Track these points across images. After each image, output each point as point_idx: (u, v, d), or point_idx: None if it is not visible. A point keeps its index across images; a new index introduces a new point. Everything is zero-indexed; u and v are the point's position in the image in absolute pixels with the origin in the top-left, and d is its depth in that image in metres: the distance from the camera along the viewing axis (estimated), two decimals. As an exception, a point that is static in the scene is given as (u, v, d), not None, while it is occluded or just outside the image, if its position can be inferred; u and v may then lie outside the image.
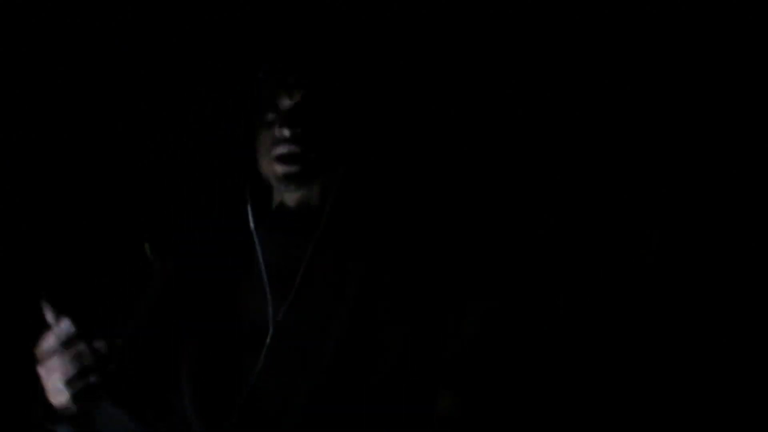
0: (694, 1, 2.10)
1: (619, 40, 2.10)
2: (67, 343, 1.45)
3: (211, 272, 1.64)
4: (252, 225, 1.61)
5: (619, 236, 2.05)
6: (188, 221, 1.76)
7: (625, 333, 2.01)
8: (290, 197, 1.63)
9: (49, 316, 1.48)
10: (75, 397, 1.45)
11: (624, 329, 2.01)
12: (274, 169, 1.58)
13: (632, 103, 2.11)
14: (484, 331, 1.53)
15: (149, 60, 2.25)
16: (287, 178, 1.57)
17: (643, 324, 2.02)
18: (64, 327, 1.46)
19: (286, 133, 1.55)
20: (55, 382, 1.47)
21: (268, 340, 1.53)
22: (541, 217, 2.03)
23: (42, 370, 1.49)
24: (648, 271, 2.03)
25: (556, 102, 2.11)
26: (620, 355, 2.00)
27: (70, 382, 1.44)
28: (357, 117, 1.64)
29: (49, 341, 1.49)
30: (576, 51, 2.10)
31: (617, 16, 2.11)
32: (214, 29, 2.23)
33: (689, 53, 2.10)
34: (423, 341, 1.52)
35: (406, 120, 2.02)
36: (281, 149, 1.56)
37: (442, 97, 2.11)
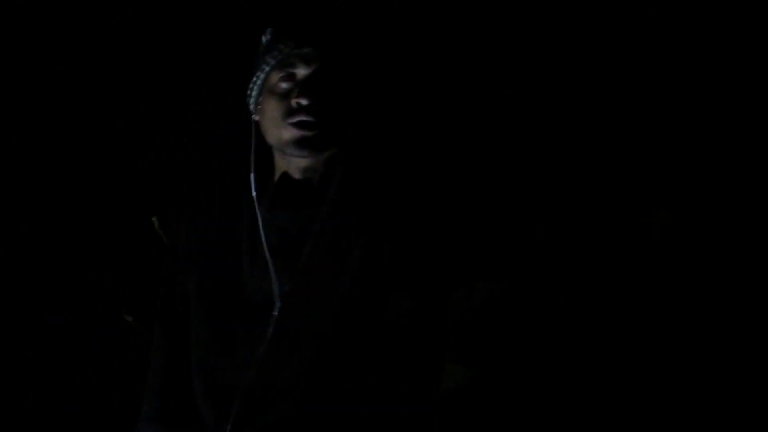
0: (694, 1, 2.10)
1: (619, 40, 2.10)
2: None
3: (215, 246, 1.64)
4: (254, 194, 1.61)
5: (622, 221, 2.05)
6: (193, 194, 1.75)
7: (626, 314, 2.01)
8: (296, 168, 1.62)
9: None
10: None
11: (625, 310, 2.01)
12: (291, 133, 1.56)
13: (637, 99, 2.11)
14: (492, 307, 1.53)
15: (149, 60, 2.25)
16: (303, 143, 1.56)
17: (643, 306, 2.02)
18: None
19: (304, 102, 1.54)
20: None
21: (275, 313, 1.54)
22: (548, 198, 2.03)
23: None
24: (652, 255, 2.03)
25: (570, 80, 2.11)
26: (622, 336, 2.00)
27: None
28: (369, 88, 1.64)
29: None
30: (577, 47, 2.10)
31: (618, 16, 2.11)
32: (215, 29, 2.24)
33: (689, 52, 2.10)
34: (427, 315, 1.53)
35: (416, 92, 2.01)
36: (298, 118, 1.55)
37: (453, 71, 2.10)
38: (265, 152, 1.64)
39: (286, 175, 1.63)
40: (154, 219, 1.77)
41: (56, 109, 2.25)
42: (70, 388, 2.21)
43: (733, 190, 2.10)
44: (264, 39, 1.64)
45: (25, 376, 2.22)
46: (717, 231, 2.07)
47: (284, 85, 1.59)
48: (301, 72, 1.58)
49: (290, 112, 1.56)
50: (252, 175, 1.62)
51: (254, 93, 1.65)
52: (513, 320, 1.57)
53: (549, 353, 1.79)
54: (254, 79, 1.64)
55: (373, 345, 1.51)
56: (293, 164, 1.62)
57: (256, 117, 1.64)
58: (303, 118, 1.55)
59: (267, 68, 1.61)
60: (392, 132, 1.75)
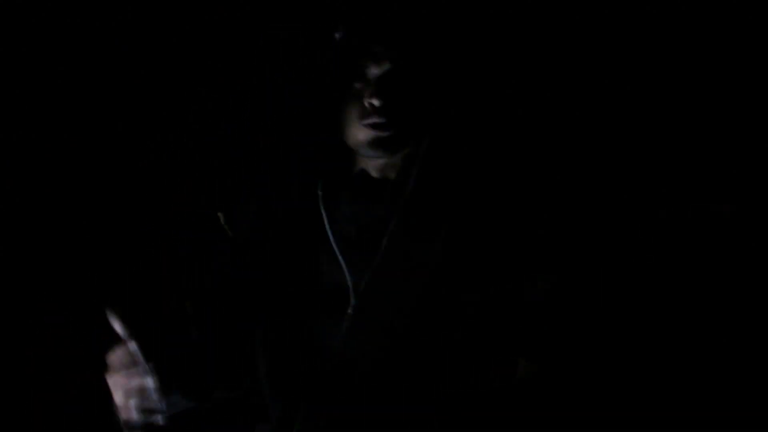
0: (695, 1, 2.10)
1: (646, 32, 2.09)
2: (132, 364, 1.48)
3: (284, 243, 1.64)
4: (320, 192, 1.61)
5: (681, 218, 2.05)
6: (261, 189, 1.74)
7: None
8: (373, 166, 1.62)
9: (119, 328, 1.49)
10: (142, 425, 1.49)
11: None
12: (365, 134, 1.55)
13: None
14: (562, 302, 1.53)
15: (149, 60, 2.25)
16: (377, 143, 1.55)
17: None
18: (131, 347, 1.48)
19: (376, 102, 1.53)
20: (120, 398, 1.52)
21: (349, 311, 1.53)
22: (618, 199, 2.03)
23: (110, 382, 1.51)
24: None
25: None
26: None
27: (135, 408, 1.49)
28: (443, 87, 1.63)
29: (117, 355, 1.52)
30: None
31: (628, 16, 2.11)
32: (215, 29, 2.23)
33: (696, 52, 2.10)
34: (502, 311, 1.53)
35: (489, 91, 2.00)
36: (372, 119, 1.54)
37: (526, 68, 2.10)
38: (344, 148, 1.64)
39: (364, 171, 1.64)
40: (220, 214, 1.75)
41: (56, 109, 2.25)
42: (70, 388, 2.20)
43: (735, 188, 2.10)
44: (337, 35, 1.63)
45: (25, 376, 2.22)
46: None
47: (357, 85, 1.58)
48: (373, 71, 1.57)
49: (363, 112, 1.56)
50: (320, 175, 1.63)
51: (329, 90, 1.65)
52: (576, 314, 1.57)
53: (609, 346, 1.78)
54: (322, 77, 1.65)
55: (447, 342, 1.51)
56: (370, 162, 1.63)
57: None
58: (376, 119, 1.55)
59: (338, 66, 1.61)
60: (470, 126, 1.74)
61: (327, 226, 1.57)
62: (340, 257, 1.55)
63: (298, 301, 1.59)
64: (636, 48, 2.10)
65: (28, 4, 2.20)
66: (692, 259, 2.04)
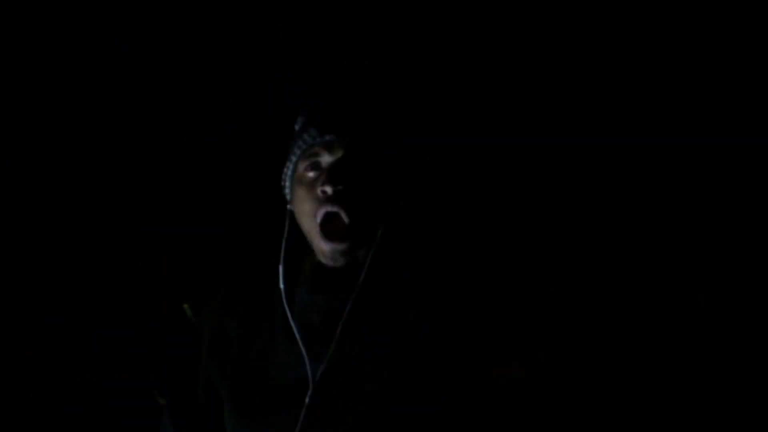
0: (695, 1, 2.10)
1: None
2: None
3: (247, 332, 1.63)
4: (282, 286, 1.59)
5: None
6: (225, 280, 1.74)
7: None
8: (337, 263, 1.59)
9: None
10: None
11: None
12: (321, 246, 1.54)
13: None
14: (530, 385, 1.52)
15: (149, 60, 2.25)
16: (335, 254, 1.54)
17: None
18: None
19: (329, 190, 1.51)
20: None
21: (307, 400, 1.51)
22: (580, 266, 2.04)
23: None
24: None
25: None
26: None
27: None
28: (396, 172, 1.60)
29: None
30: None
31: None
32: (215, 29, 2.24)
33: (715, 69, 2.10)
34: (463, 392, 1.50)
35: (441, 170, 2.01)
36: (324, 208, 1.53)
37: (475, 144, 2.11)
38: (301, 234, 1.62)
39: (321, 263, 1.60)
40: (186, 306, 1.76)
41: (56, 109, 2.25)
42: (70, 388, 2.21)
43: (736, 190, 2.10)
44: (296, 127, 1.63)
45: (25, 376, 2.22)
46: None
47: (310, 174, 1.57)
48: (326, 160, 1.56)
49: (317, 201, 1.54)
50: (281, 267, 1.60)
51: (287, 183, 1.64)
52: (554, 396, 1.56)
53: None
54: (285, 169, 1.63)
55: (411, 424, 1.48)
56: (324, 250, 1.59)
57: (290, 207, 1.62)
58: (328, 207, 1.52)
59: (294, 158, 1.60)
60: (423, 213, 1.73)
61: (290, 317, 1.55)
62: (301, 347, 1.53)
63: (258, 391, 1.57)
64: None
65: (28, 4, 2.20)
66: (672, 339, 2.04)
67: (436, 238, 1.63)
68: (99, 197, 2.26)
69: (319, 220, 1.54)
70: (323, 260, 1.58)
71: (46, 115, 2.25)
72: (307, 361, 1.53)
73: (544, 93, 2.15)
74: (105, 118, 2.26)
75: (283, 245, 1.61)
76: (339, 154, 1.55)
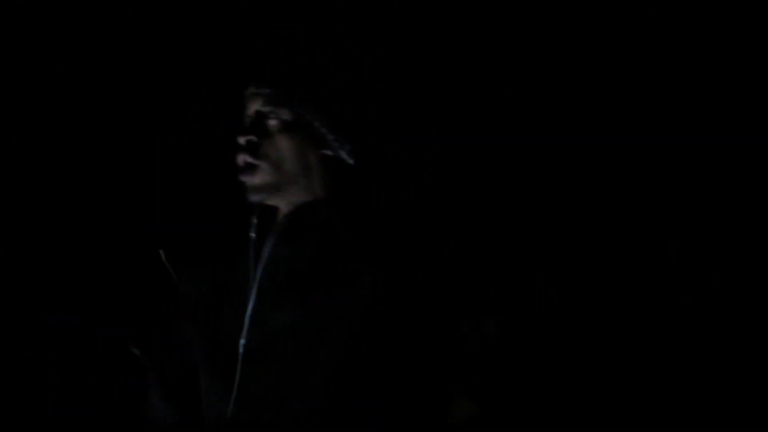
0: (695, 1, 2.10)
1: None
2: None
3: (219, 287, 1.64)
4: (252, 235, 1.61)
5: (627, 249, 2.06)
6: (199, 230, 1.75)
7: (629, 335, 2.01)
8: (285, 210, 1.61)
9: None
10: None
11: (627, 332, 2.01)
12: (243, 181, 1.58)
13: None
14: (499, 339, 1.53)
15: (149, 60, 2.25)
16: (247, 190, 1.57)
17: (653, 330, 2.02)
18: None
19: (242, 140, 1.55)
20: None
21: (240, 350, 1.53)
22: (553, 228, 2.04)
23: None
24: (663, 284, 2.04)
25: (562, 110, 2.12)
26: (624, 358, 2.00)
27: None
28: (332, 122, 1.59)
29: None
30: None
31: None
32: (215, 29, 2.24)
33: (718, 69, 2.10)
34: (435, 348, 1.52)
35: (404, 124, 2.01)
36: (238, 158, 1.57)
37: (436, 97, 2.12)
38: None
39: (287, 214, 1.62)
40: (161, 252, 1.76)
41: (56, 109, 2.25)
42: (70, 388, 2.21)
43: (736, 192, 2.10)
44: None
45: (25, 376, 2.22)
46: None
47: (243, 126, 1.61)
48: (246, 112, 1.60)
49: (239, 150, 1.58)
50: (254, 218, 1.62)
51: None
52: (520, 352, 1.57)
53: (556, 384, 1.79)
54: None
55: (375, 378, 1.48)
56: (281, 206, 1.62)
57: None
58: (240, 158, 1.56)
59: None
60: (384, 161, 1.74)
61: (252, 268, 1.57)
62: (253, 294, 1.54)
63: (226, 347, 1.57)
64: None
65: (28, 4, 2.20)
66: (636, 299, 2.04)
67: (393, 197, 1.65)
68: (99, 197, 2.26)
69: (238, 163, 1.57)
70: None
71: (46, 115, 2.25)
72: (250, 308, 1.54)
73: (544, 93, 2.15)
74: (105, 118, 2.26)
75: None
76: (255, 106, 1.58)
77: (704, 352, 2.03)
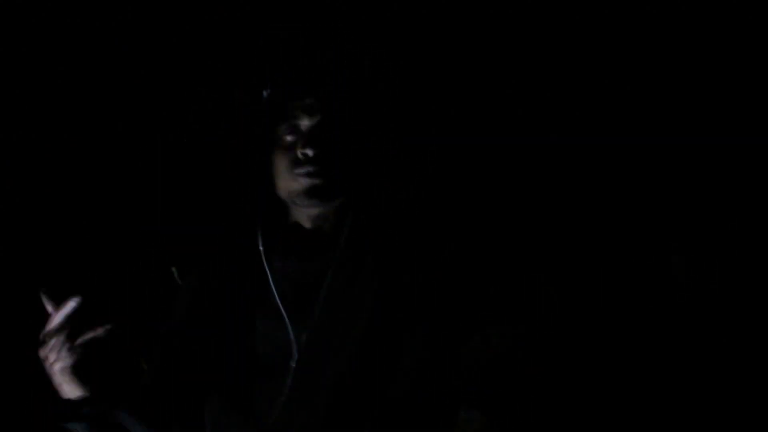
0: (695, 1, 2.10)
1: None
2: (67, 323, 1.48)
3: (227, 301, 1.64)
4: (261, 248, 1.62)
5: (636, 260, 2.06)
6: (211, 244, 1.76)
7: (645, 351, 2.02)
8: (306, 218, 1.63)
9: (49, 305, 1.50)
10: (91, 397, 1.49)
11: (643, 346, 2.02)
12: (300, 184, 1.58)
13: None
14: (508, 353, 1.53)
15: (149, 60, 2.25)
16: (312, 192, 1.57)
17: (662, 345, 2.02)
18: (65, 310, 1.49)
19: (310, 152, 1.56)
20: (58, 372, 1.50)
21: (293, 365, 1.54)
22: (560, 241, 2.04)
23: (45, 356, 1.50)
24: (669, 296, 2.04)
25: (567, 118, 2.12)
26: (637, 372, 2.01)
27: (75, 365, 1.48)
28: (374, 136, 1.65)
29: (50, 325, 1.51)
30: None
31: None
32: (215, 29, 2.24)
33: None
34: (443, 361, 1.53)
35: (422, 139, 2.03)
36: (305, 168, 1.57)
37: (457, 116, 2.12)
38: (277, 202, 1.65)
39: (297, 224, 1.64)
40: (174, 269, 1.77)
41: (56, 109, 2.25)
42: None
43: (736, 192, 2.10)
44: (265, 93, 1.66)
45: (25, 376, 2.22)
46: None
47: (289, 138, 1.60)
48: (305, 123, 1.60)
49: (297, 163, 1.58)
50: (259, 230, 1.63)
51: (261, 145, 1.66)
52: (528, 365, 1.57)
53: (565, 398, 1.79)
54: (259, 132, 1.66)
55: (391, 392, 1.51)
56: (304, 214, 1.64)
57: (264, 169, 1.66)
58: (309, 168, 1.57)
59: (271, 121, 1.63)
60: (401, 176, 1.75)
61: (271, 283, 1.58)
62: (283, 313, 1.56)
63: (241, 360, 1.58)
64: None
65: (28, 4, 2.20)
66: (645, 308, 2.05)
67: (407, 205, 1.66)
68: (99, 197, 2.26)
69: (298, 172, 1.57)
70: (298, 203, 1.60)
71: (46, 115, 2.25)
72: (289, 326, 1.55)
73: (544, 93, 2.15)
74: (105, 118, 2.26)
75: (261, 207, 1.65)
76: (318, 117, 1.59)
77: (709, 356, 2.03)
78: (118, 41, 2.23)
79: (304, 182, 1.58)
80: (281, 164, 1.61)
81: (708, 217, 2.10)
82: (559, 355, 1.66)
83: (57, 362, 1.49)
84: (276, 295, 1.58)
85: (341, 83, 1.63)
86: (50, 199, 2.25)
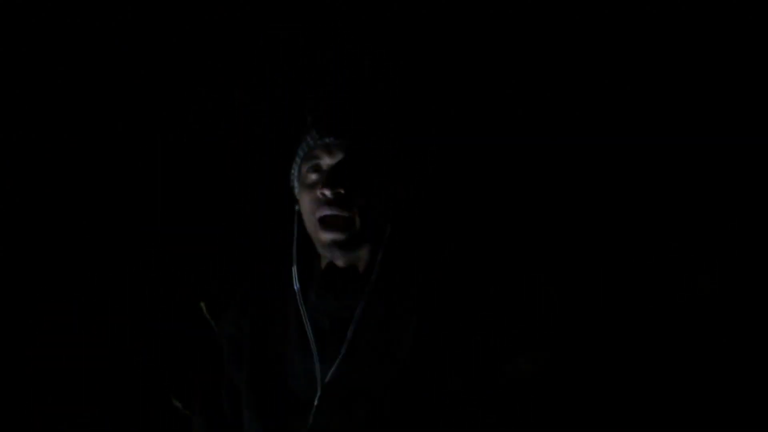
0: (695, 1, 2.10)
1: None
2: None
3: (263, 336, 1.64)
4: (296, 287, 1.60)
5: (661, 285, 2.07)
6: (241, 280, 1.75)
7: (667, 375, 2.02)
8: (339, 260, 1.59)
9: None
10: None
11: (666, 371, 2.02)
12: (320, 236, 1.54)
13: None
14: (538, 378, 1.53)
15: (149, 60, 2.25)
16: (334, 245, 1.54)
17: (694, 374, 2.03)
18: None
19: (328, 194, 1.52)
20: None
21: (315, 402, 1.53)
22: (592, 269, 2.04)
23: None
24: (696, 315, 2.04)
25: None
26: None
27: None
28: (399, 175, 1.60)
29: None
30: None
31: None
32: (215, 29, 2.24)
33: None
34: (473, 395, 1.51)
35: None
36: (323, 211, 1.53)
37: (481, 150, 2.12)
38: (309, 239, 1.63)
39: (331, 263, 1.61)
40: (202, 305, 1.78)
41: (56, 109, 2.25)
42: (70, 388, 2.21)
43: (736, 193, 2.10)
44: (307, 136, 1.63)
45: (25, 376, 2.22)
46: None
47: (312, 177, 1.57)
48: (326, 162, 1.56)
49: (317, 204, 1.54)
50: (294, 268, 1.61)
51: (295, 184, 1.64)
52: (561, 389, 1.57)
53: (600, 421, 1.79)
54: (292, 171, 1.64)
55: (419, 428, 1.49)
56: (335, 257, 1.60)
57: (298, 207, 1.63)
58: (327, 211, 1.53)
59: (299, 160, 1.61)
60: (432, 212, 1.74)
61: (305, 320, 1.56)
62: (314, 349, 1.54)
63: (274, 394, 1.58)
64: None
65: (28, 4, 2.20)
66: (675, 328, 2.04)
67: (437, 238, 1.64)
68: (99, 197, 2.26)
69: (317, 216, 1.55)
70: (324, 252, 1.58)
71: (46, 115, 2.25)
72: (317, 363, 1.54)
73: (544, 93, 2.15)
74: (105, 118, 2.26)
75: (294, 247, 1.62)
76: (339, 156, 1.55)
77: (712, 355, 2.03)
78: (118, 41, 2.23)
79: (325, 237, 1.54)
80: (305, 204, 1.57)
81: (708, 217, 2.10)
82: (589, 376, 1.65)
83: None
84: (310, 332, 1.57)
85: (362, 124, 1.59)
86: (50, 199, 2.25)
